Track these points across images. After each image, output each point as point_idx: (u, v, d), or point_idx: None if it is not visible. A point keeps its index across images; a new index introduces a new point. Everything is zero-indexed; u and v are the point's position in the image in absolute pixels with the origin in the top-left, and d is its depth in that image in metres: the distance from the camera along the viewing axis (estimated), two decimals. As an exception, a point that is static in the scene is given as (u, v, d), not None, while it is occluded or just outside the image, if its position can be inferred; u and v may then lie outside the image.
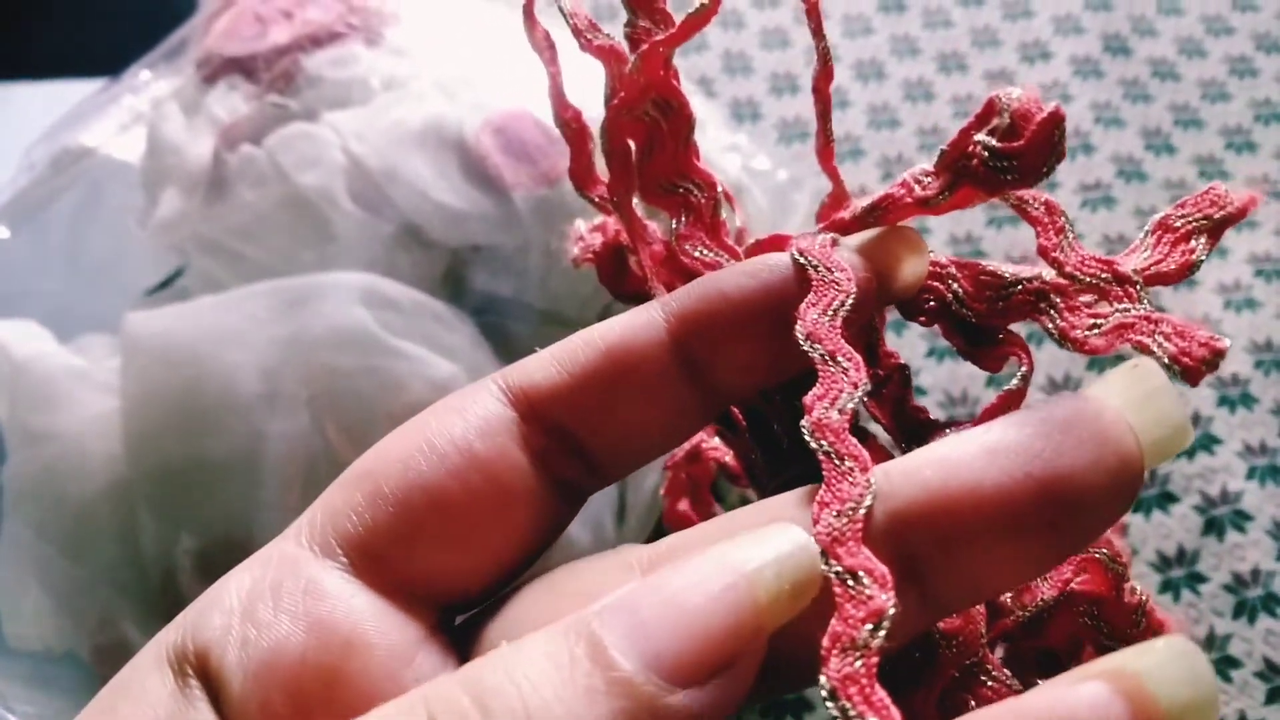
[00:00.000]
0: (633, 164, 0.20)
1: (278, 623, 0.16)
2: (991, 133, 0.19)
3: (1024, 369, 0.20)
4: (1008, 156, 0.19)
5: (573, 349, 0.17)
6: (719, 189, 0.20)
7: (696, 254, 0.20)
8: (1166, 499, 0.42)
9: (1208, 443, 0.43)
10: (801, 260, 0.18)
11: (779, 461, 0.20)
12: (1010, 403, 0.19)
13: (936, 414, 0.44)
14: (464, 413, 0.17)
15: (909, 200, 0.19)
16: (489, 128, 0.34)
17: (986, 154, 0.19)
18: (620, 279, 0.22)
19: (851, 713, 0.14)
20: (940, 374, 0.45)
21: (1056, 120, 0.19)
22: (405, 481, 0.16)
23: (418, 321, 0.30)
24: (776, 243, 0.20)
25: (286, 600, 0.16)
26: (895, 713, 0.14)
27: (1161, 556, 0.41)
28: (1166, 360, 0.18)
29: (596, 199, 0.21)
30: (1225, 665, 0.38)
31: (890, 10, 0.58)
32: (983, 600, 0.18)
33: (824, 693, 0.14)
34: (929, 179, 0.19)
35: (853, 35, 0.57)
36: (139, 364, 0.30)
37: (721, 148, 0.38)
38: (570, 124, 0.21)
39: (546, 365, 0.17)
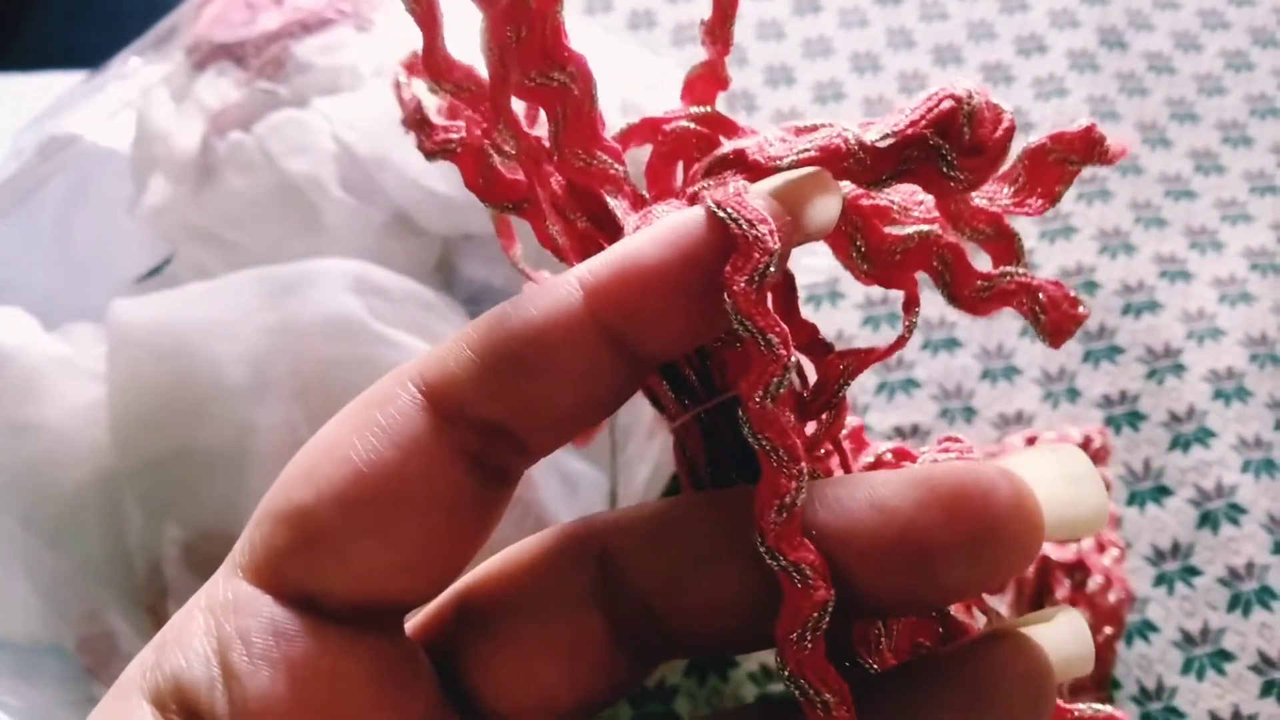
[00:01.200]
0: (513, 51, 0.18)
1: (257, 672, 0.16)
2: (947, 137, 0.18)
3: (912, 317, 0.19)
4: (965, 170, 0.18)
5: (490, 335, 0.16)
6: (592, 79, 0.18)
7: (582, 163, 0.18)
8: (1161, 492, 0.41)
9: (1202, 436, 0.43)
10: (721, 215, 0.16)
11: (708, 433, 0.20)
12: (896, 347, 0.19)
13: (931, 407, 0.43)
14: (383, 427, 0.16)
15: (842, 168, 0.18)
16: (481, 115, 0.33)
17: (943, 163, 0.18)
18: (490, 185, 0.20)
19: (812, 693, 0.16)
20: (934, 367, 0.45)
21: (1013, 133, 0.18)
22: (336, 504, 0.16)
23: (408, 310, 0.30)
24: (648, 129, 0.19)
25: (259, 646, 0.16)
26: (845, 688, 0.16)
27: (1156, 550, 0.40)
28: (1044, 336, 0.19)
29: (451, 88, 0.18)
30: (1219, 659, 0.38)
31: (886, 3, 0.58)
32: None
33: (786, 678, 0.16)
34: (867, 158, 0.18)
35: (849, 27, 0.56)
36: (126, 353, 0.30)
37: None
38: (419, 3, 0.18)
39: (463, 356, 0.16)
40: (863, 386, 0.44)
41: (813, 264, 0.40)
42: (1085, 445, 0.40)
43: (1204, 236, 0.49)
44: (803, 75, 0.54)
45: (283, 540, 0.16)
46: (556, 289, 0.16)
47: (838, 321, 0.46)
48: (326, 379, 0.28)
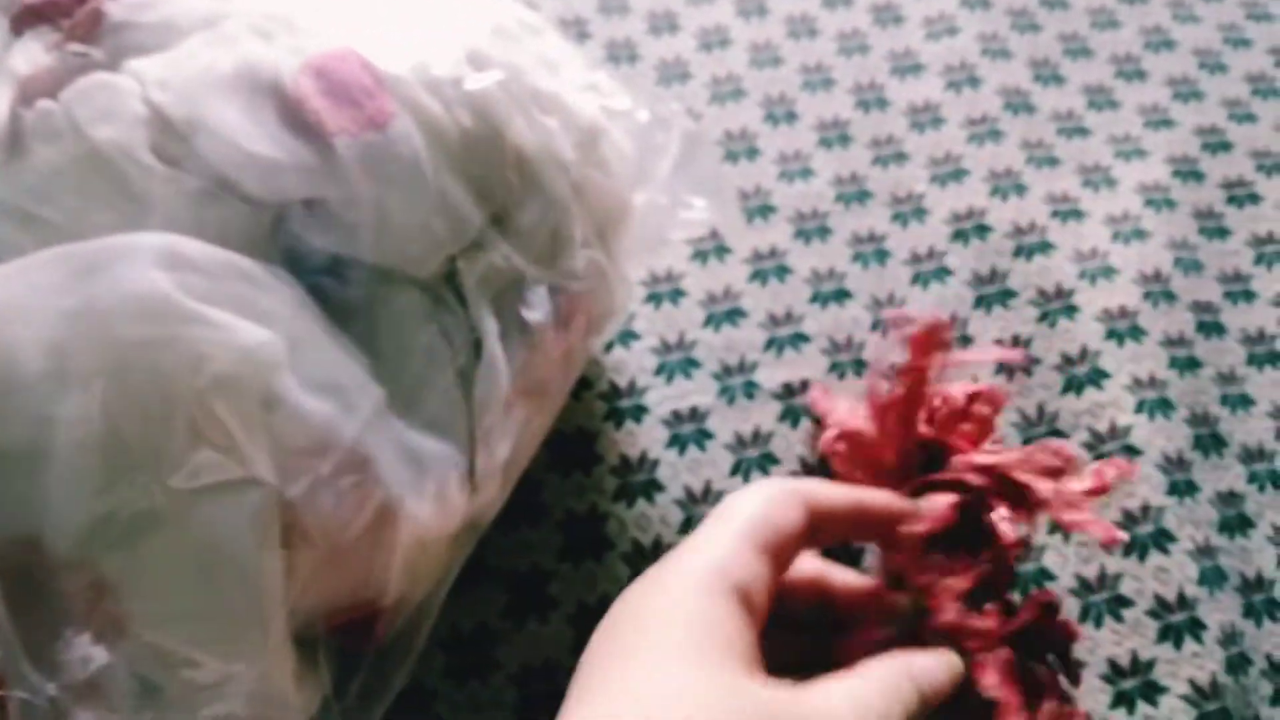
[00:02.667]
0: None
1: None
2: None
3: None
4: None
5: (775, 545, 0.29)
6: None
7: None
8: (1054, 435, 0.40)
9: (1096, 378, 0.42)
10: None
11: None
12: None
13: (821, 361, 0.41)
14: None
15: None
16: (309, 70, 0.31)
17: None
18: None
19: None
20: (825, 320, 0.43)
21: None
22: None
23: (225, 284, 0.27)
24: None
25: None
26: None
27: (1050, 497, 0.39)
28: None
29: None
30: (1116, 605, 0.38)
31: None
32: None
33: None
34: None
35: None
36: (-86, 346, 0.27)
37: (577, 87, 0.35)
38: None
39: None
40: (751, 344, 0.42)
41: (690, 217, 0.38)
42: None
43: (1097, 174, 0.48)
44: (686, 22, 0.52)
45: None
46: (794, 508, 0.30)
47: (725, 277, 0.44)
48: (132, 365, 0.26)
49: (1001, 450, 0.35)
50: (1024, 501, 0.33)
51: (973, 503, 0.33)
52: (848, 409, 0.39)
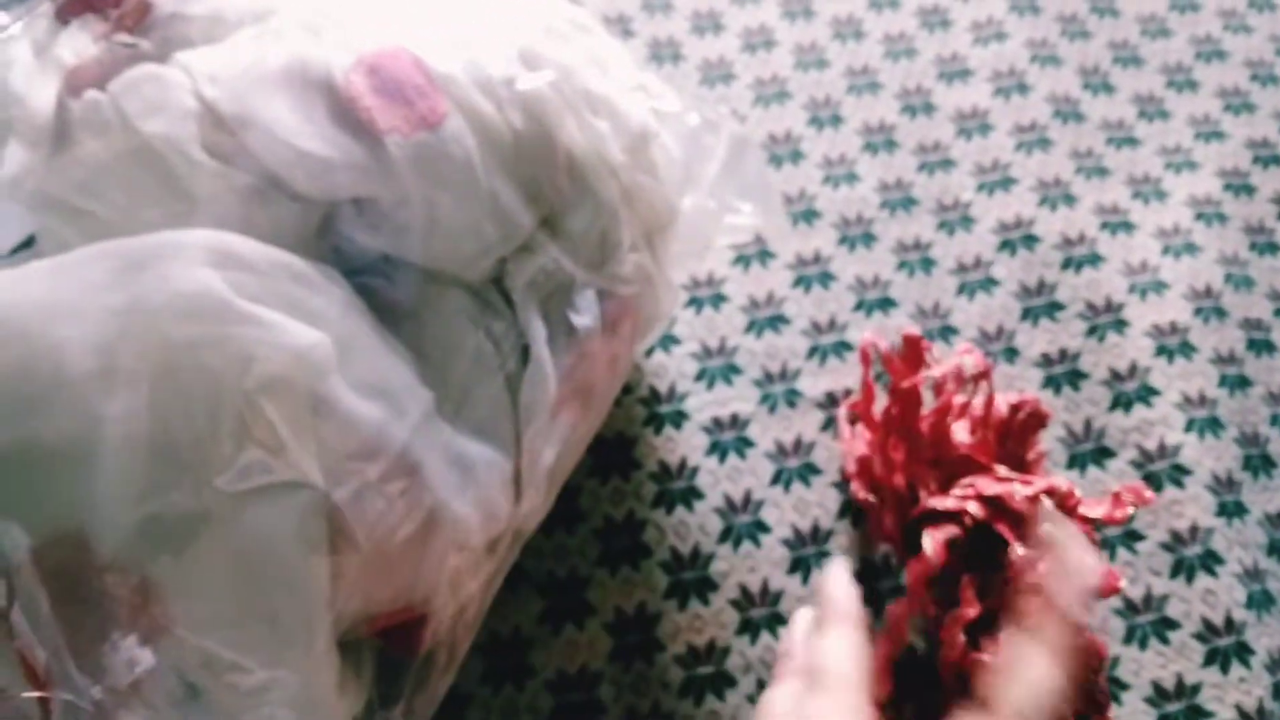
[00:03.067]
0: None
1: None
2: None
3: None
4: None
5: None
6: None
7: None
8: (1103, 454, 0.40)
9: (1145, 395, 0.41)
10: None
11: None
12: None
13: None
14: None
15: None
16: (361, 67, 0.30)
17: None
18: None
19: None
20: (868, 327, 0.42)
21: None
22: None
23: (276, 283, 0.27)
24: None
25: None
26: None
27: (1097, 515, 0.39)
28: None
29: None
30: (1162, 627, 0.37)
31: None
32: None
33: None
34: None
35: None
36: (-36, 340, 0.26)
37: (627, 88, 0.35)
38: None
39: None
40: (794, 351, 0.42)
41: (736, 222, 0.37)
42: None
43: (1147, 185, 0.47)
44: (730, 21, 0.51)
45: None
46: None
47: (768, 283, 0.43)
48: (180, 364, 0.25)
49: (1015, 476, 0.34)
50: (1024, 530, 0.33)
51: (978, 530, 0.33)
52: (862, 435, 0.39)
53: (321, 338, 0.26)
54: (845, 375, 0.41)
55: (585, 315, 0.31)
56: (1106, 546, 0.38)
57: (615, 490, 0.39)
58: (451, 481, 0.28)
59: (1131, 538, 0.38)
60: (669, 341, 0.41)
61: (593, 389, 0.32)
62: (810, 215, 0.45)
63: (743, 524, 0.38)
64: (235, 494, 0.25)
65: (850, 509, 0.38)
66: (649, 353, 0.41)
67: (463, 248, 0.30)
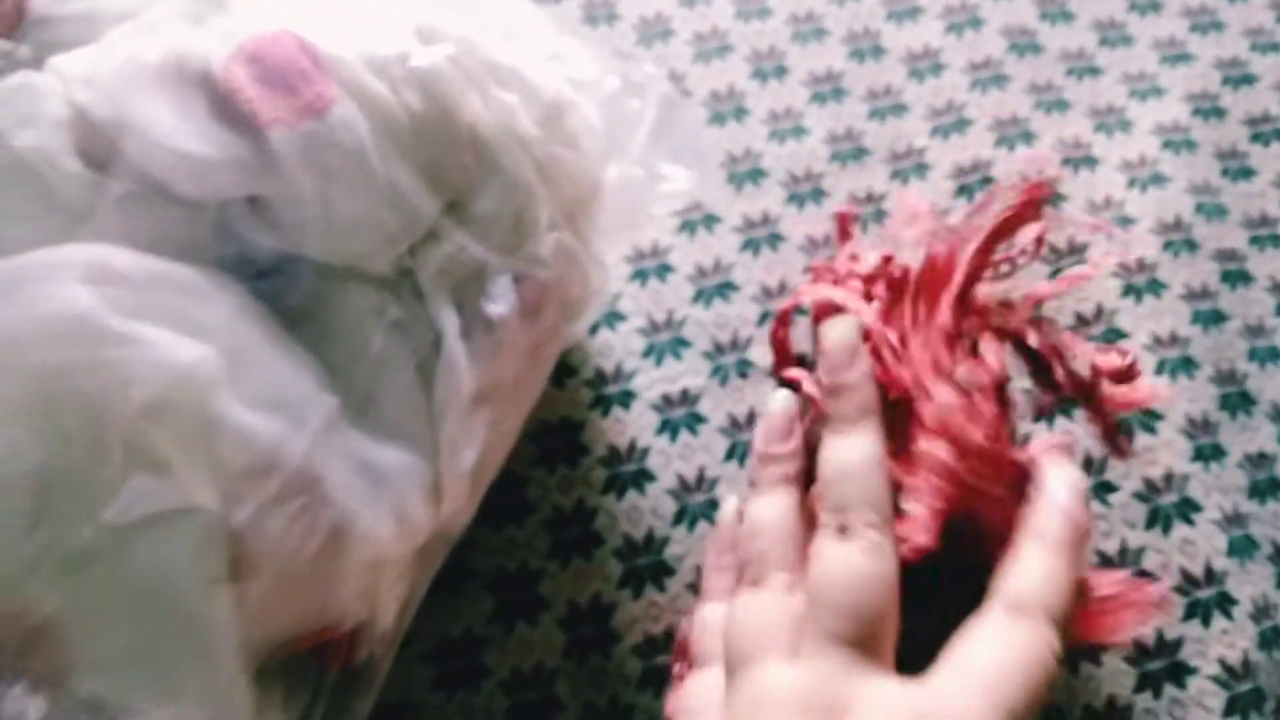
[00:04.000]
0: None
1: None
2: None
3: None
4: None
5: None
6: None
7: None
8: (1070, 402, 0.38)
9: (1112, 337, 0.39)
10: None
11: None
12: None
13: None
14: None
15: None
16: (241, 56, 0.28)
17: None
18: None
19: None
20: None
21: None
22: None
23: (156, 296, 0.25)
24: None
25: None
26: None
27: (1065, 471, 0.37)
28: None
29: None
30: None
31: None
32: None
33: None
34: None
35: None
36: None
37: (539, 58, 0.33)
38: None
39: None
40: (744, 319, 0.40)
41: (671, 189, 0.35)
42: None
43: (1111, 116, 0.45)
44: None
45: None
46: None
47: (714, 249, 0.41)
48: (57, 393, 0.24)
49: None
50: None
51: None
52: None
53: (206, 352, 0.25)
54: (799, 341, 0.39)
55: (500, 303, 0.29)
56: (1079, 501, 0.36)
57: (563, 478, 0.37)
58: (359, 491, 0.26)
59: (1104, 489, 0.37)
60: (614, 318, 0.40)
61: (516, 380, 0.31)
62: (756, 174, 0.43)
63: (697, 504, 0.37)
64: (126, 526, 0.24)
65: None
66: (593, 331, 0.40)
67: (362, 240, 0.28)
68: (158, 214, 0.28)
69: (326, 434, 0.26)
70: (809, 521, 0.32)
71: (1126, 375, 0.36)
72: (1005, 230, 0.37)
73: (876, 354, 0.34)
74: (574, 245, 0.32)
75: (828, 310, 0.36)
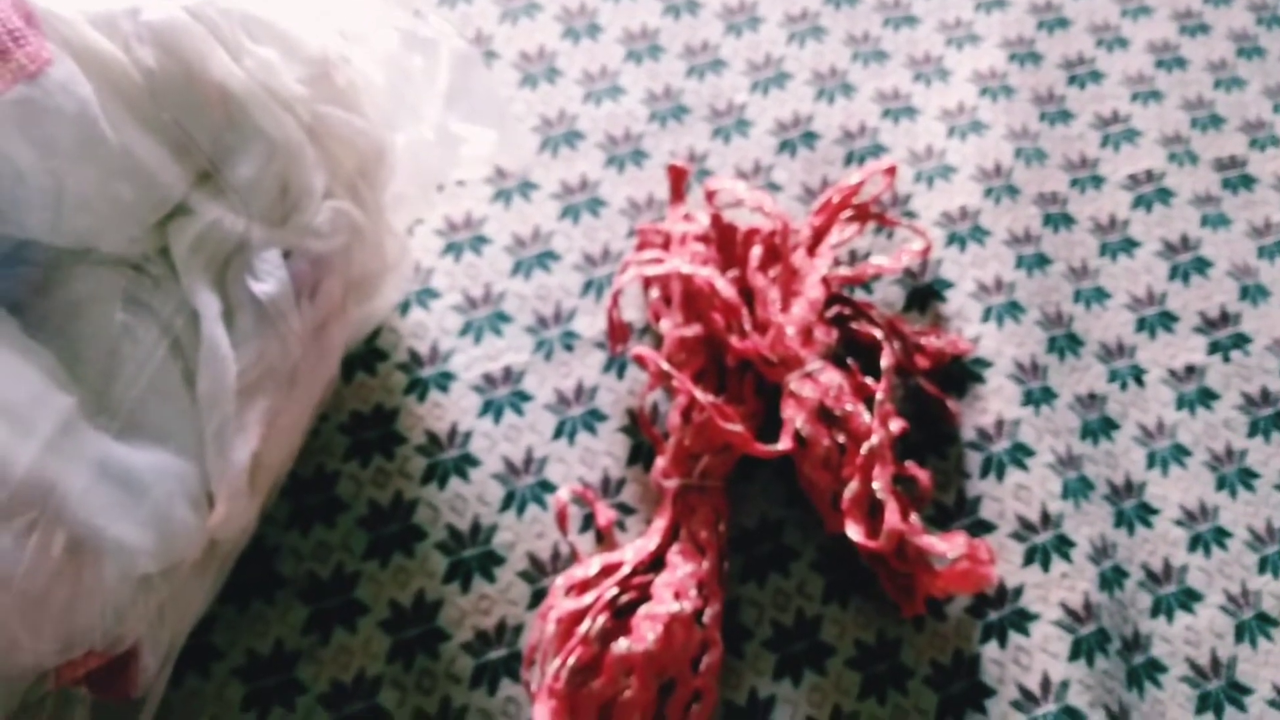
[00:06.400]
0: None
1: None
2: None
3: None
4: None
5: None
6: None
7: None
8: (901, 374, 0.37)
9: (938, 288, 0.38)
10: None
11: None
12: None
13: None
14: None
15: None
16: (-60, 15, 0.25)
17: None
18: None
19: None
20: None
21: None
22: None
23: None
24: None
25: None
26: None
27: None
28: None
29: None
30: (978, 530, 0.35)
31: None
32: None
33: None
34: None
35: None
36: None
37: (305, 12, 0.30)
38: None
39: None
40: (567, 290, 0.38)
41: (473, 153, 0.33)
42: None
43: (928, 66, 0.44)
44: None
45: None
46: None
47: (533, 217, 0.39)
48: None
49: None
50: None
51: None
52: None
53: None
54: (625, 308, 0.37)
55: (268, 281, 0.26)
56: (914, 455, 0.36)
57: (378, 471, 0.34)
58: (105, 501, 0.23)
59: (939, 441, 0.36)
60: (426, 296, 0.37)
61: (297, 366, 0.28)
62: (573, 137, 0.41)
63: (526, 487, 0.34)
64: None
65: (641, 453, 0.35)
66: (404, 311, 0.37)
67: (98, 219, 0.25)
68: None
69: (62, 439, 0.23)
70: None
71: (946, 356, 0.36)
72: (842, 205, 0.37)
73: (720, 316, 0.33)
74: (357, 215, 0.29)
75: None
